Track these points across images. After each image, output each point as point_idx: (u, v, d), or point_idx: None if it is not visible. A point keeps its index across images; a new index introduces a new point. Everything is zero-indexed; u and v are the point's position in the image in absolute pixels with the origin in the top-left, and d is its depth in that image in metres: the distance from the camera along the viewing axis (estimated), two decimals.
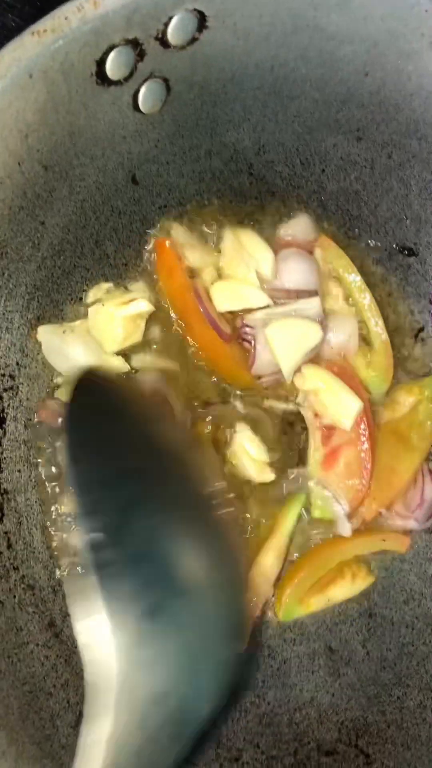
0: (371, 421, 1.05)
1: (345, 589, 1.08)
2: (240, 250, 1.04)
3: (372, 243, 1.11)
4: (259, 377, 1.04)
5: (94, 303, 1.00)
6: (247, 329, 1.02)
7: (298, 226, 1.08)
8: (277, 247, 1.07)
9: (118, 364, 0.98)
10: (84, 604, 0.66)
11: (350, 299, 1.09)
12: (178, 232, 1.05)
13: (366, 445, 1.03)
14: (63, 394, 0.97)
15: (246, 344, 1.04)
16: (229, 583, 0.79)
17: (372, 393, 1.09)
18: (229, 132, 0.99)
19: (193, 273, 1.05)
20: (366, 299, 1.07)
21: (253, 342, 1.03)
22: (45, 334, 0.96)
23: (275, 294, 1.04)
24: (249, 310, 1.04)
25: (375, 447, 1.04)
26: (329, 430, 1.05)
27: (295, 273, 1.03)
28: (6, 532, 0.93)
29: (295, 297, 1.04)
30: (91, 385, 0.80)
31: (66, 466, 0.74)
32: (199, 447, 0.99)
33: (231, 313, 1.04)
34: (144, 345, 1.03)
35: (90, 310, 0.98)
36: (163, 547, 0.73)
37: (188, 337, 1.05)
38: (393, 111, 0.97)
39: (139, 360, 1.03)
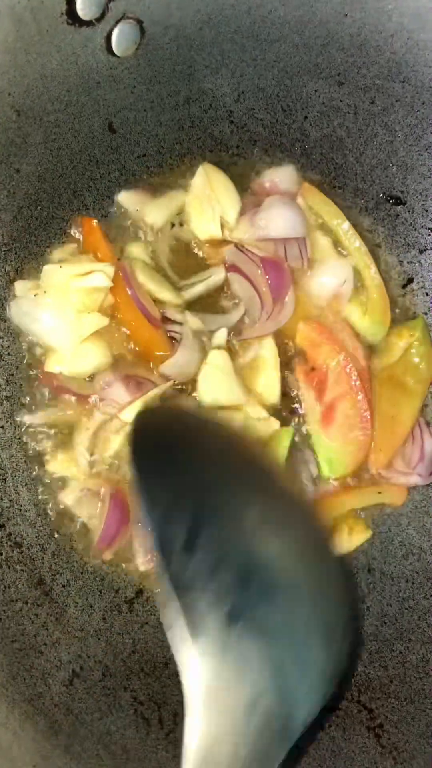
0: (365, 371, 1.02)
1: (342, 544, 1.06)
2: (208, 192, 1.03)
3: (358, 192, 1.09)
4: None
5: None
6: (173, 326, 1.00)
7: (283, 175, 1.06)
8: (259, 195, 1.05)
9: (95, 321, 0.94)
10: (166, 612, 0.67)
11: (339, 248, 1.07)
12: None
13: (360, 395, 1.00)
14: (50, 365, 0.95)
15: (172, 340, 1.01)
16: (321, 581, 0.77)
17: (370, 340, 1.07)
18: (207, 78, 0.97)
19: (122, 252, 1.02)
20: (356, 244, 1.05)
21: (178, 339, 1.00)
22: (19, 290, 0.94)
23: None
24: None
25: (371, 395, 1.02)
26: (321, 385, 1.03)
27: (281, 220, 1.01)
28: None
29: (282, 245, 1.01)
30: (149, 415, 0.86)
31: (136, 488, 0.74)
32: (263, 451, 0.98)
33: (156, 301, 1.00)
34: None
35: (45, 268, 0.93)
36: (242, 552, 0.72)
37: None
38: (374, 53, 0.95)
39: None
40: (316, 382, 1.03)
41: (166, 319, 0.99)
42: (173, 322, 0.99)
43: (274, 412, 1.02)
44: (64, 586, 0.94)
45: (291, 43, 0.95)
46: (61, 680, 0.87)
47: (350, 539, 1.06)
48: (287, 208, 1.02)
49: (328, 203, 1.06)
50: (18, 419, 0.96)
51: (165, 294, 1.00)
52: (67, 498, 0.97)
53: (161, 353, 0.98)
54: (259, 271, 1.02)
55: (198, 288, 1.02)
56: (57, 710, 0.84)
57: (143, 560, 0.97)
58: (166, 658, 0.97)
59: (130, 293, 0.95)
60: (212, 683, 0.66)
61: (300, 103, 1.02)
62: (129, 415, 0.93)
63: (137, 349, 0.99)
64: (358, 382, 1.01)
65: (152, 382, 0.96)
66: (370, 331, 1.06)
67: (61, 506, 0.97)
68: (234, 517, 0.74)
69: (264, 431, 1.01)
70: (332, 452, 1.03)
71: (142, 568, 0.97)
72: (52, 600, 0.92)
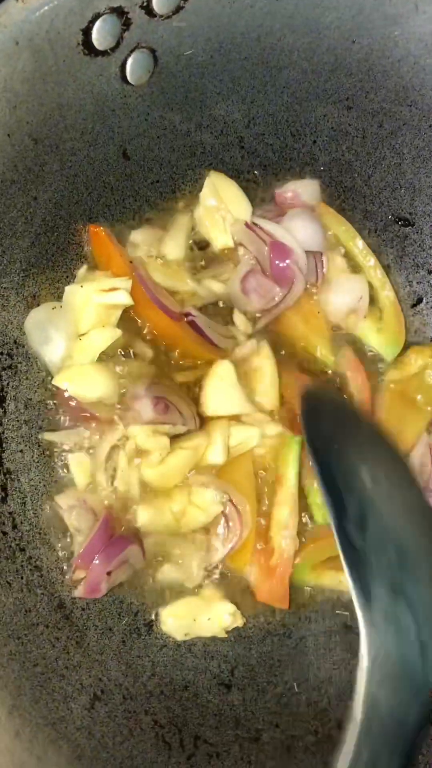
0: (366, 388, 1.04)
1: None
2: (217, 203, 1.04)
3: (367, 214, 1.10)
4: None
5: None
6: (192, 317, 1.01)
7: (306, 188, 1.07)
8: (281, 205, 1.07)
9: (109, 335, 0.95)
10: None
11: (352, 267, 1.09)
12: None
13: None
14: (59, 380, 0.96)
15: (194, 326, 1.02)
16: None
17: (385, 358, 1.09)
18: (219, 104, 0.99)
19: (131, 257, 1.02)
20: (371, 262, 1.07)
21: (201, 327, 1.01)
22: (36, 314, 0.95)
23: None
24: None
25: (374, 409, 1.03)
26: None
27: (303, 232, 1.03)
28: (11, 513, 0.91)
29: None
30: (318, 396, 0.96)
31: (312, 460, 0.85)
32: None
33: (171, 292, 1.02)
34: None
35: (67, 289, 0.95)
36: (397, 535, 0.80)
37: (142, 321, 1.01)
38: (381, 78, 0.97)
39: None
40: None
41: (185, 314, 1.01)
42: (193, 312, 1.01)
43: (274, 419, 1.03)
44: (83, 609, 0.93)
45: (300, 69, 0.97)
46: (83, 704, 0.87)
47: None
48: (310, 221, 1.04)
49: (343, 222, 1.07)
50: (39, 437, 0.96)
51: (182, 288, 1.02)
52: (62, 501, 0.96)
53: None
54: (266, 253, 1.02)
55: (215, 286, 1.04)
56: (79, 734, 0.84)
57: None
58: (186, 681, 0.97)
59: (147, 295, 0.96)
60: (377, 651, 0.74)
61: (309, 128, 1.03)
62: (142, 439, 0.93)
63: (165, 343, 1.00)
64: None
65: (180, 414, 0.96)
66: (384, 348, 1.08)
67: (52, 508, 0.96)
68: (390, 503, 0.83)
69: (270, 438, 1.02)
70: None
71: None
72: (72, 623, 0.92)
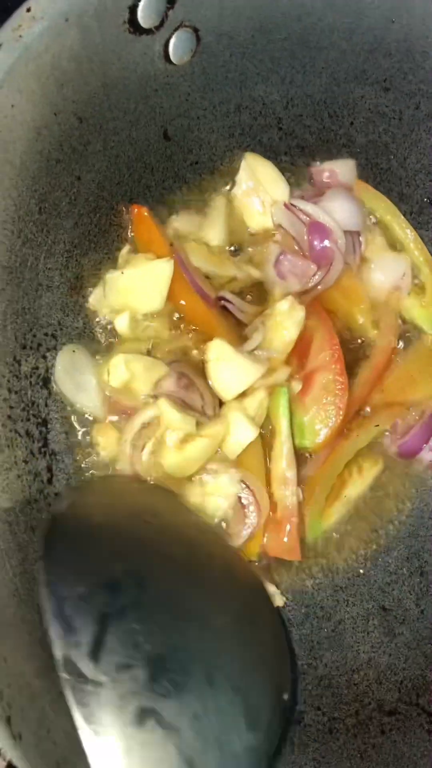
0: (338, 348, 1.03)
1: (357, 485, 1.07)
2: (254, 184, 1.04)
3: (402, 197, 1.10)
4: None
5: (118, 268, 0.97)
6: (226, 303, 1.01)
7: (342, 167, 1.07)
8: (317, 184, 1.07)
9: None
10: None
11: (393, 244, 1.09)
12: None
13: (338, 366, 1.01)
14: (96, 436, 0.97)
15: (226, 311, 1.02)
16: (246, 664, 0.77)
17: (428, 332, 1.09)
18: (258, 85, 0.98)
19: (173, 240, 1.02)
20: (411, 237, 1.07)
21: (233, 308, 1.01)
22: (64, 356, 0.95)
23: None
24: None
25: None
26: (303, 354, 1.03)
27: (341, 212, 1.02)
28: (56, 494, 0.91)
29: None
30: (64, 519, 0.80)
31: (40, 588, 0.70)
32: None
33: (207, 277, 1.01)
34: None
35: (107, 276, 0.95)
36: (158, 645, 0.71)
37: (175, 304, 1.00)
38: (420, 59, 0.97)
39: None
40: (298, 352, 1.03)
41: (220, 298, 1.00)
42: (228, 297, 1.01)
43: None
44: None
45: (339, 49, 0.96)
46: None
47: (362, 477, 1.07)
48: (349, 201, 1.03)
49: (383, 199, 1.07)
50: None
51: (222, 273, 1.01)
52: None
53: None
54: (305, 235, 1.02)
55: (253, 270, 1.04)
56: None
57: None
58: None
59: (187, 278, 0.95)
60: None
61: (347, 109, 1.03)
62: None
63: (194, 327, 1.00)
64: (338, 354, 1.01)
65: (201, 396, 0.96)
66: (428, 323, 1.08)
67: None
68: (155, 607, 0.74)
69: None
70: (305, 422, 1.02)
71: None
72: None
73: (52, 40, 0.76)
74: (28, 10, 0.74)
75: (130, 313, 0.94)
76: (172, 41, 0.87)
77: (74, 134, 0.84)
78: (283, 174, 1.05)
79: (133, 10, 0.81)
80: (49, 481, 0.91)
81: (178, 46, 0.88)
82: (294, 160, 1.07)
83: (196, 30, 0.88)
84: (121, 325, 0.94)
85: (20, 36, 0.73)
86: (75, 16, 0.76)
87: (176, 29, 0.86)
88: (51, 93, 0.79)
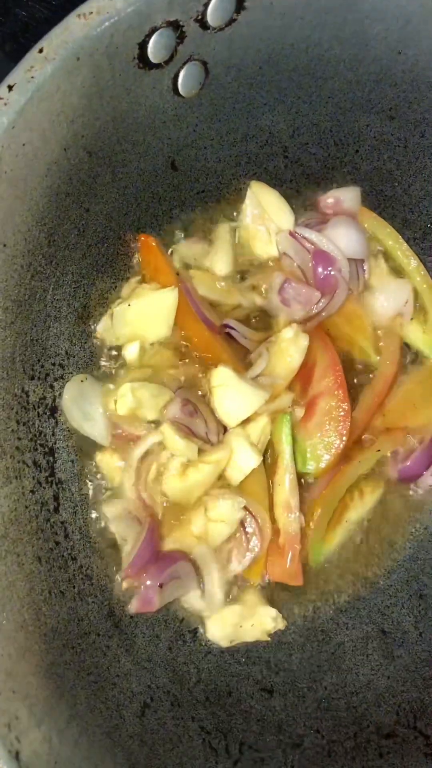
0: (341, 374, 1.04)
1: (358, 509, 1.08)
2: (260, 212, 1.04)
3: (407, 223, 1.11)
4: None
5: (124, 299, 0.98)
6: (231, 331, 1.02)
7: (347, 195, 1.08)
8: (322, 212, 1.08)
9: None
10: None
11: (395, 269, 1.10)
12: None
13: (340, 392, 1.02)
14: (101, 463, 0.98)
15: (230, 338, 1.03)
16: None
17: (429, 356, 1.11)
18: (265, 115, 0.99)
19: (179, 269, 1.03)
20: (413, 264, 1.08)
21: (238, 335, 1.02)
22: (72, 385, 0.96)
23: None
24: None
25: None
26: (306, 380, 1.04)
27: (345, 240, 1.04)
28: (63, 522, 0.92)
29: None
30: None
31: None
32: None
33: (212, 305, 1.03)
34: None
35: (116, 310, 0.97)
36: None
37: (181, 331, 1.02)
38: (426, 89, 0.97)
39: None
40: (300, 377, 1.04)
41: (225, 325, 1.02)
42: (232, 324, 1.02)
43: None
44: (132, 617, 0.95)
45: (345, 79, 0.97)
46: (134, 711, 0.88)
47: (364, 501, 1.08)
48: (353, 229, 1.05)
49: (386, 226, 1.08)
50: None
51: (228, 301, 1.03)
52: (109, 511, 0.97)
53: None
54: (310, 263, 1.03)
55: (257, 298, 1.05)
56: (132, 742, 0.85)
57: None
58: (229, 687, 0.98)
59: (192, 307, 0.97)
60: None
61: (352, 137, 1.04)
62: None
63: (197, 354, 1.01)
64: (340, 380, 1.03)
65: (205, 422, 0.97)
66: (430, 349, 1.10)
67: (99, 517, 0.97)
68: None
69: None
70: (307, 447, 1.03)
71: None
72: (122, 631, 0.94)
73: (63, 79, 0.76)
74: (41, 50, 0.74)
75: (140, 342, 0.94)
76: (181, 74, 0.88)
77: (83, 168, 0.85)
78: (288, 201, 1.06)
79: (143, 46, 0.81)
80: (56, 510, 0.92)
81: (187, 79, 0.88)
82: (299, 187, 1.08)
83: (204, 63, 0.88)
84: (131, 354, 0.95)
85: (32, 77, 0.74)
86: (86, 56, 0.77)
87: (185, 63, 0.87)
88: (61, 129, 0.79)
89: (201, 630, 0.99)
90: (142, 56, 0.82)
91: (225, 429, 0.99)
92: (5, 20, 1.01)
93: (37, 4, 1.03)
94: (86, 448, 0.97)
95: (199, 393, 0.99)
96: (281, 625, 1.00)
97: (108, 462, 0.96)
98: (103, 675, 0.88)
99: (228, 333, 1.01)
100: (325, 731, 0.99)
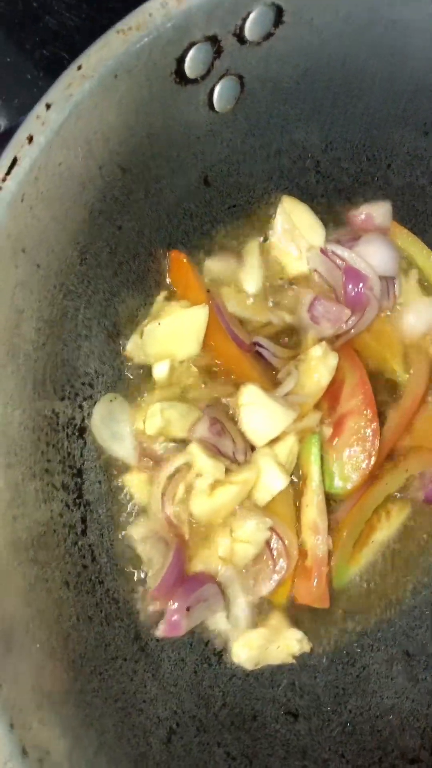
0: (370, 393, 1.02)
1: (384, 530, 1.07)
2: (290, 227, 1.03)
3: None
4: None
5: (154, 317, 0.97)
6: (260, 348, 1.00)
7: (379, 210, 1.06)
8: (354, 227, 1.06)
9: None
10: None
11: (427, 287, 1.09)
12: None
13: (369, 411, 1.00)
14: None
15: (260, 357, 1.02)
16: None
17: None
18: (299, 129, 0.97)
19: (209, 286, 1.02)
20: None
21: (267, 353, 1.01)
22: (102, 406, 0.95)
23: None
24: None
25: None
26: (334, 398, 1.03)
27: (377, 257, 1.02)
28: (90, 545, 0.91)
29: None
30: None
31: None
32: None
33: (242, 322, 1.02)
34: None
35: (146, 330, 0.95)
36: None
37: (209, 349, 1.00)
38: None
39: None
40: (329, 396, 1.02)
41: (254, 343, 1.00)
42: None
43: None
44: (158, 640, 0.93)
45: (380, 94, 0.96)
46: (161, 738, 0.87)
47: (390, 523, 1.07)
48: (385, 246, 1.03)
49: (418, 242, 1.07)
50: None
51: (257, 319, 1.01)
52: (136, 532, 0.96)
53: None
54: (341, 280, 1.02)
55: (287, 316, 1.03)
56: None
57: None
58: (255, 711, 0.97)
59: (223, 325, 0.95)
60: None
61: (385, 152, 1.02)
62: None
63: (227, 372, 1.00)
64: (369, 398, 1.01)
65: (233, 442, 0.95)
66: None
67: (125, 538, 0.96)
68: None
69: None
70: (335, 467, 1.01)
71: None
72: (148, 655, 0.92)
73: (101, 96, 0.74)
74: (79, 68, 0.72)
75: (170, 360, 0.93)
76: (216, 89, 0.86)
77: (117, 185, 0.83)
78: (319, 216, 1.04)
79: (180, 61, 0.80)
80: (83, 532, 0.91)
81: (222, 94, 0.87)
82: (330, 202, 1.06)
83: (240, 77, 0.87)
84: (160, 372, 0.94)
85: (71, 95, 0.72)
86: (124, 72, 0.75)
87: (221, 77, 0.85)
88: (97, 147, 0.78)
89: (226, 653, 0.97)
90: (179, 71, 0.80)
91: (252, 448, 0.97)
92: (35, 28, 0.99)
93: (66, 12, 1.01)
94: (114, 468, 0.95)
95: (228, 411, 0.97)
96: (307, 647, 0.99)
97: (136, 482, 0.95)
98: (130, 701, 0.87)
99: (257, 351, 0.99)
100: (350, 756, 0.98)
